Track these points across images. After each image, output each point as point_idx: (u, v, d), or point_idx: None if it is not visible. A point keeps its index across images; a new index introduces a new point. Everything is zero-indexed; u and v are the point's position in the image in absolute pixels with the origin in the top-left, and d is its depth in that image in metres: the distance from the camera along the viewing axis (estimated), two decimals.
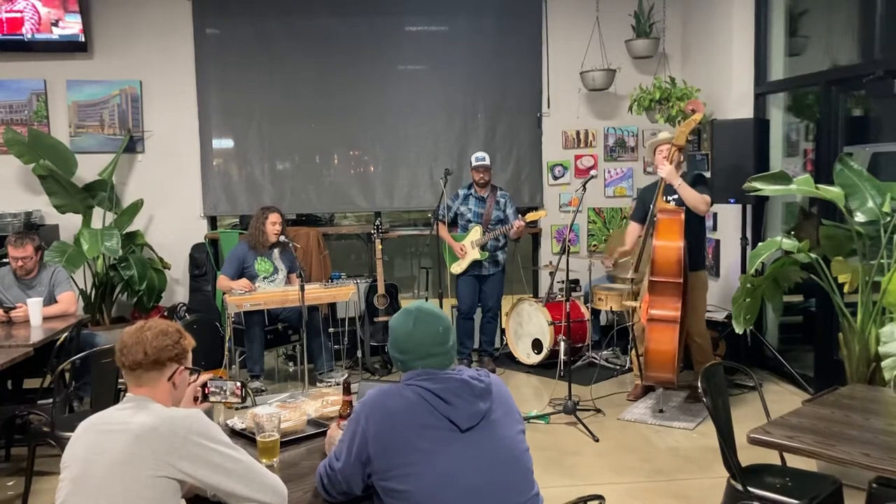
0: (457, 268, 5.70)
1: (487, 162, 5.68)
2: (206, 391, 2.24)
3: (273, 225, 5.31)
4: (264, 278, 5.35)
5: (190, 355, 2.06)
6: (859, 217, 3.84)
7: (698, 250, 4.81)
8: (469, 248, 5.65)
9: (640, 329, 4.81)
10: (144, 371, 1.94)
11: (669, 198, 4.69)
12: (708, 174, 5.50)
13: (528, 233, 6.82)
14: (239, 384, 2.27)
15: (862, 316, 3.80)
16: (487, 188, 5.74)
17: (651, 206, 4.68)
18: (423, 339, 1.98)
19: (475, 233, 5.68)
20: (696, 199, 4.56)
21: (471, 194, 5.75)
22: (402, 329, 2.01)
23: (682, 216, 4.49)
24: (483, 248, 5.65)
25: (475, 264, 5.68)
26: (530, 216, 5.63)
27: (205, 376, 2.26)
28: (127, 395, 1.97)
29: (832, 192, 3.90)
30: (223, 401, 2.28)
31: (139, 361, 1.93)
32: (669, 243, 4.47)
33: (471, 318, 5.84)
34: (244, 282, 5.21)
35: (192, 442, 1.81)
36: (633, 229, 5.04)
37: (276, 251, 5.42)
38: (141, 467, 1.77)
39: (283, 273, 5.45)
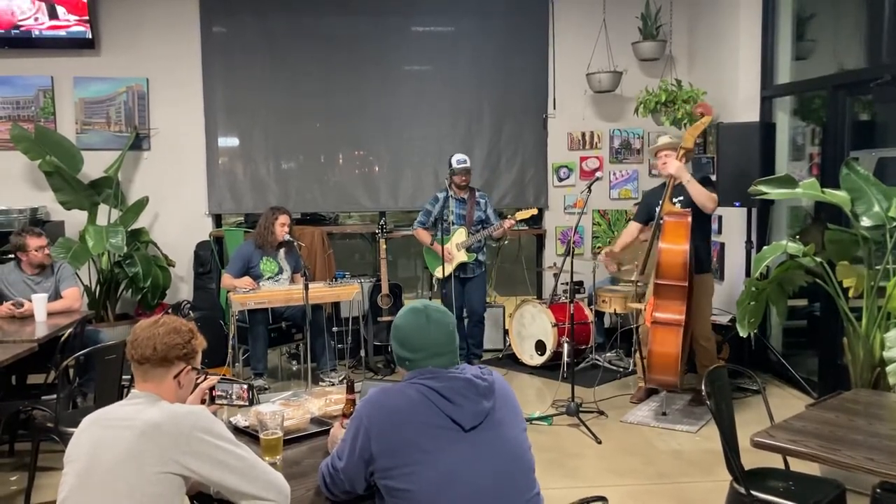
0: (441, 271, 5.60)
1: (469, 164, 5.66)
2: (213, 394, 2.24)
3: (282, 226, 5.32)
4: (269, 278, 5.35)
5: (199, 356, 2.06)
6: (865, 221, 3.83)
7: (704, 253, 4.80)
8: (455, 251, 5.63)
9: (645, 331, 4.80)
10: (152, 367, 1.95)
11: (675, 200, 4.69)
12: (714, 177, 5.49)
13: (532, 234, 6.82)
14: (246, 387, 2.28)
15: (867, 321, 3.79)
16: (466, 189, 5.72)
17: (658, 209, 4.67)
18: (437, 336, 1.97)
19: (459, 235, 5.64)
20: (704, 197, 4.56)
21: (450, 196, 5.71)
22: (412, 327, 1.99)
23: (689, 219, 4.48)
24: (468, 249, 5.64)
25: (459, 266, 5.64)
26: (520, 215, 5.56)
27: (212, 380, 2.27)
28: (132, 391, 1.98)
29: (838, 196, 3.90)
30: (229, 404, 2.29)
31: (147, 356, 1.94)
32: (675, 246, 4.46)
33: (460, 318, 5.84)
34: (247, 280, 5.22)
35: (196, 438, 1.82)
36: (632, 229, 5.03)
37: (281, 251, 5.43)
38: (146, 463, 1.78)
39: (288, 273, 5.46)
